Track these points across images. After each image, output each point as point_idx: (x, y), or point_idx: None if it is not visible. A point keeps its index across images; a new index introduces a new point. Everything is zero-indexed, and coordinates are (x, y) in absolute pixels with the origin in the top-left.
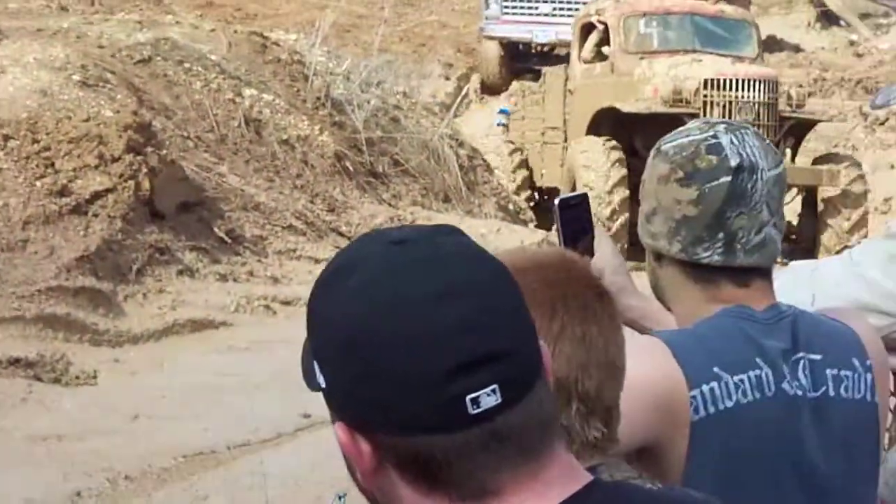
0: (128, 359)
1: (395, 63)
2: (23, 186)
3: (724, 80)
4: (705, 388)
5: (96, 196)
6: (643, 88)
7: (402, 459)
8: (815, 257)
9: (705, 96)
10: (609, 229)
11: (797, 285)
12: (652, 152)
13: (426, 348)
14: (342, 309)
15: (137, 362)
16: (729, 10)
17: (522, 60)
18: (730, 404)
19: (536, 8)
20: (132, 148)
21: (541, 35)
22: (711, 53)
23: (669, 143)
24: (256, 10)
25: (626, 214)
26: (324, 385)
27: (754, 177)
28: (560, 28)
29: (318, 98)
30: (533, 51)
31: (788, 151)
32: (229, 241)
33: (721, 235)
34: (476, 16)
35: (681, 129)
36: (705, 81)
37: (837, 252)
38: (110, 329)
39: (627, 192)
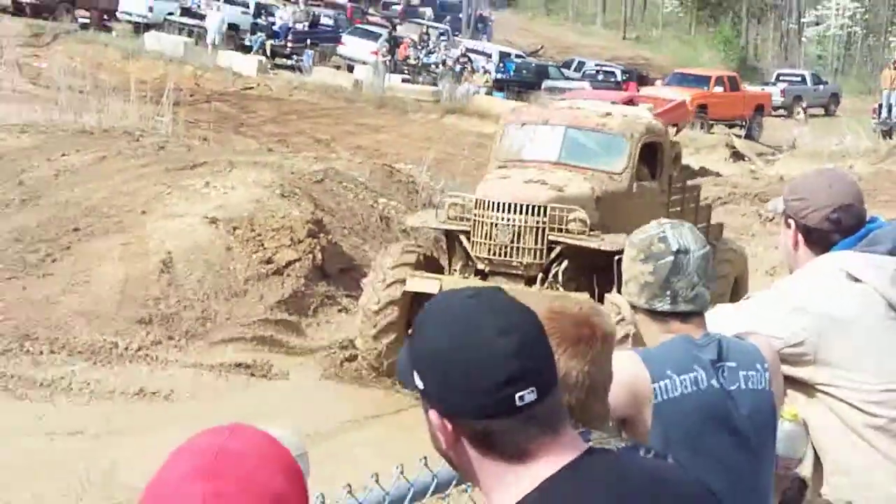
0: (309, 364)
1: (472, 183)
2: (244, 258)
3: (487, 202)
4: (661, 383)
5: (289, 264)
6: None
7: (472, 434)
8: None
9: (475, 215)
10: (375, 350)
11: (722, 320)
12: (626, 243)
13: (491, 366)
14: (435, 338)
15: (314, 366)
16: (613, 123)
17: None
18: (676, 394)
19: None
20: (311, 234)
21: None
22: (571, 167)
23: (636, 236)
24: (386, 150)
25: (391, 337)
26: (421, 386)
27: (688, 256)
28: None
29: (424, 203)
30: None
31: (560, 274)
32: None
33: (668, 293)
34: None
35: (643, 227)
36: (475, 201)
37: None
38: (297, 345)
39: (395, 313)
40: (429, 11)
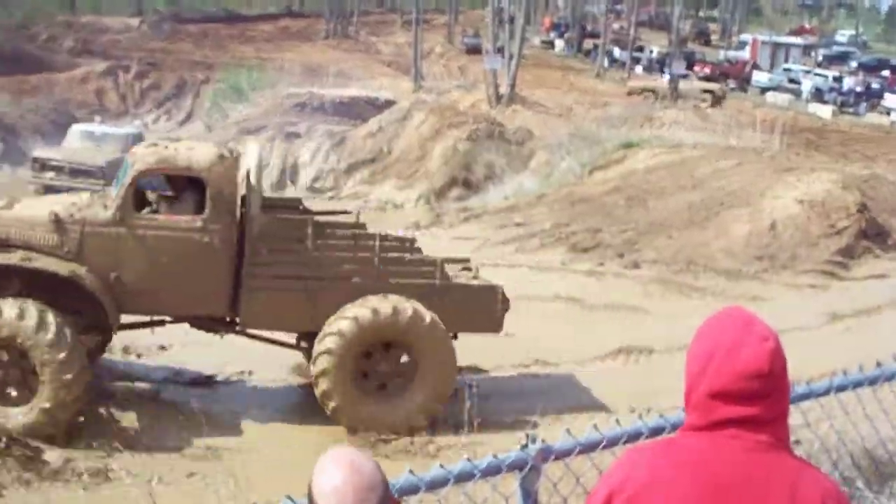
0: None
1: None
2: (818, 223)
3: None
4: None
5: (844, 228)
6: None
7: None
8: None
9: None
10: None
11: None
12: None
13: None
14: None
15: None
16: (134, 153)
17: None
18: None
19: None
20: (859, 210)
21: None
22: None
23: None
24: None
25: None
26: None
27: None
28: None
29: None
30: None
31: None
32: None
33: None
34: None
35: None
36: None
37: None
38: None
39: None
40: None
